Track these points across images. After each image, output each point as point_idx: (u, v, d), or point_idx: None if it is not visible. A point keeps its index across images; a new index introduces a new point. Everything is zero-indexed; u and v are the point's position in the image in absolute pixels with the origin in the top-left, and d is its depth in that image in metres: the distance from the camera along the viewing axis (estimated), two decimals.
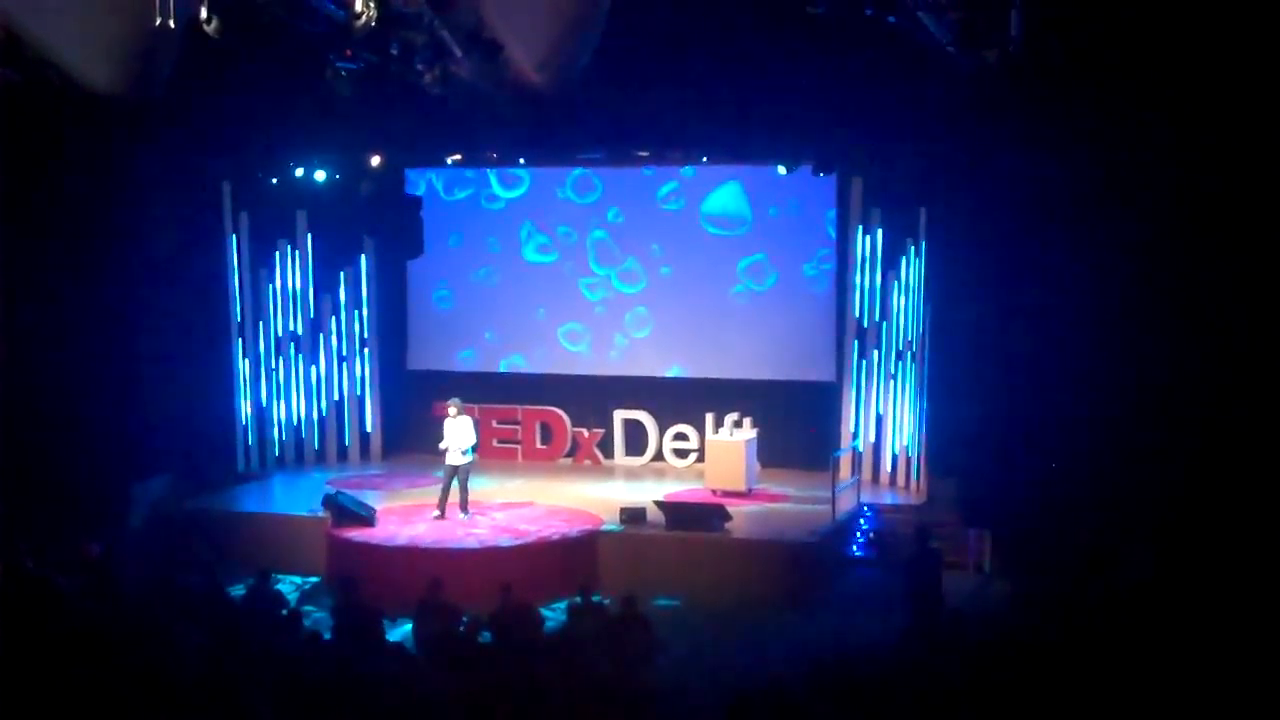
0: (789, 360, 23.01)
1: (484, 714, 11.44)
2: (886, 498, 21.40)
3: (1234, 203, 17.68)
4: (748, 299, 23.21)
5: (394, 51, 17.72)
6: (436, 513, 19.65)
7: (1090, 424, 18.47)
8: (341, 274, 24.44)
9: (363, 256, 24.59)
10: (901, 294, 21.83)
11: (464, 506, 19.72)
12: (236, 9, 15.55)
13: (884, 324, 22.14)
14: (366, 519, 19.39)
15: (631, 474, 23.29)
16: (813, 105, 19.02)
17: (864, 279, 22.30)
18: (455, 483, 19.70)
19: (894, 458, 22.07)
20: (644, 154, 21.91)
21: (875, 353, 22.24)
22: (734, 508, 19.62)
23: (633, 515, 19.39)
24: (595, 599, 15.59)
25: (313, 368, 24.35)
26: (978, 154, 18.87)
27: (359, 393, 24.75)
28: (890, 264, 21.96)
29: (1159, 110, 17.55)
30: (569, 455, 24.08)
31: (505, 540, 18.87)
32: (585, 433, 24.02)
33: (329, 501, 19.56)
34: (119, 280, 21.38)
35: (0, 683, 10.45)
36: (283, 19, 16.54)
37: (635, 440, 23.83)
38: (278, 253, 23.81)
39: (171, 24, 15.53)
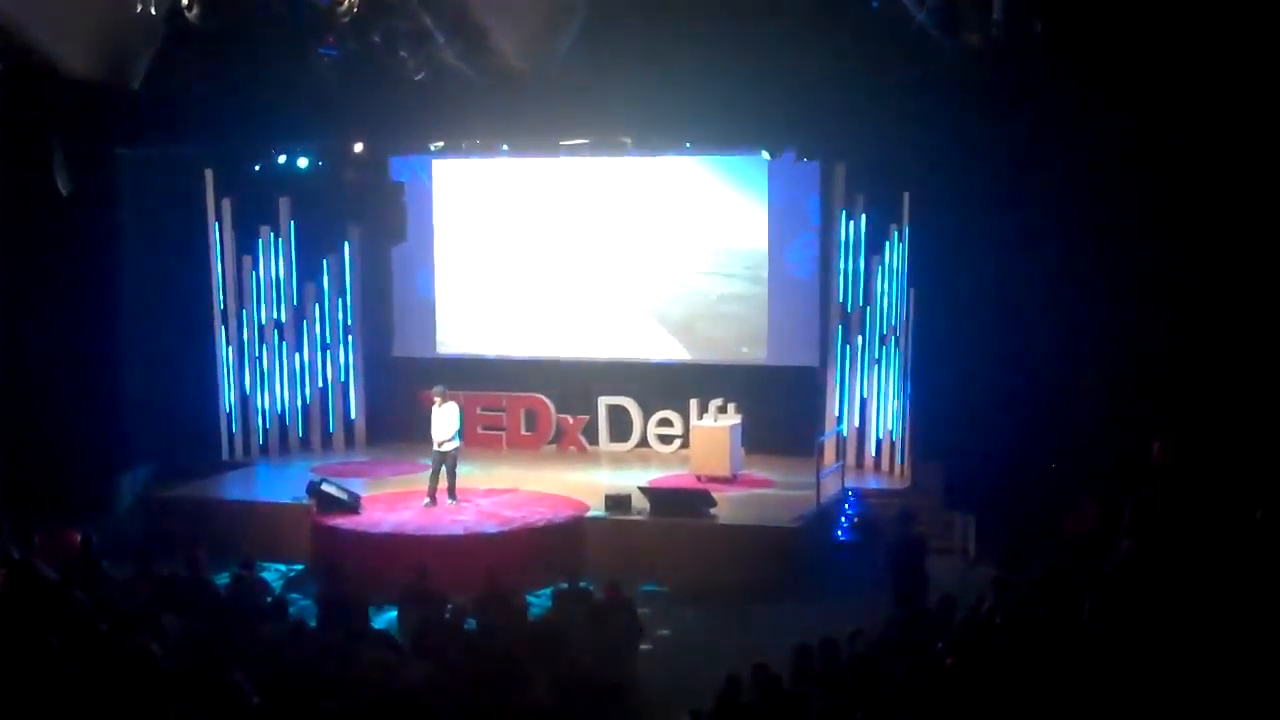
0: (773, 345, 23.03)
1: (469, 700, 11.45)
2: (871, 482, 21.45)
3: (1220, 187, 17.72)
4: (731, 284, 23.20)
5: (377, 38, 17.71)
6: (427, 500, 19.67)
7: (1074, 408, 18.51)
8: (325, 261, 24.37)
9: (346, 243, 24.53)
10: (885, 279, 21.86)
11: (451, 493, 19.75)
12: None
13: (868, 309, 22.17)
14: (351, 506, 19.40)
15: (616, 460, 23.29)
16: (796, 91, 18.99)
17: (847, 264, 22.32)
18: (444, 469, 19.73)
19: (878, 442, 22.11)
20: (627, 140, 21.87)
21: (859, 338, 22.26)
22: (719, 493, 19.66)
23: (618, 501, 19.40)
24: (580, 585, 15.60)
25: (296, 355, 24.29)
26: (961, 139, 18.87)
27: (343, 380, 24.71)
28: (874, 249, 21.98)
29: (1143, 94, 17.56)
30: (553, 442, 24.07)
31: (490, 527, 18.89)
32: (570, 419, 24.01)
33: (313, 489, 19.55)
34: (102, 268, 21.33)
35: None
36: (265, 5, 16.52)
37: (620, 426, 23.83)
38: (260, 240, 23.73)
39: (153, 10, 15.51)
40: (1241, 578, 12.31)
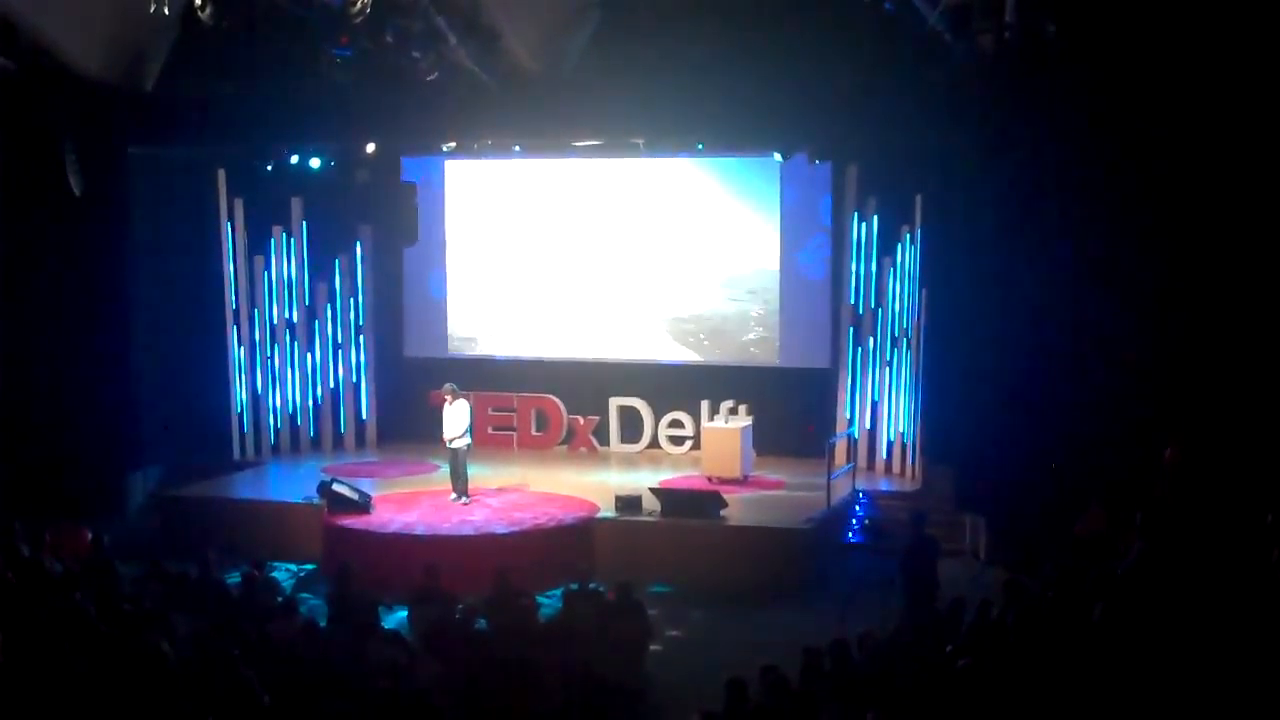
0: (784, 347, 23.02)
1: (479, 700, 11.46)
2: (882, 484, 21.43)
3: (1230, 189, 17.68)
4: (743, 286, 23.19)
5: (389, 38, 17.72)
6: (454, 495, 19.73)
7: (1086, 411, 18.47)
8: (337, 261, 24.40)
9: (358, 243, 24.55)
10: (897, 281, 21.85)
11: (463, 491, 19.76)
12: None
13: (879, 311, 22.16)
14: (362, 506, 19.40)
15: (627, 461, 23.29)
16: (808, 92, 19.00)
17: (860, 266, 22.31)
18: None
19: (889, 444, 22.09)
20: (639, 141, 21.88)
21: (871, 339, 22.26)
22: (729, 494, 19.63)
23: (628, 502, 19.39)
24: (590, 586, 15.59)
25: (308, 355, 24.31)
26: (973, 140, 18.85)
27: (354, 380, 24.73)
28: (886, 251, 21.97)
29: (1155, 96, 17.54)
30: (564, 442, 24.07)
31: (501, 527, 18.88)
32: (581, 420, 24.01)
33: (324, 489, 19.55)
34: (114, 268, 21.38)
35: None
36: (278, 6, 16.53)
37: (631, 427, 23.82)
38: (273, 240, 23.76)
39: (166, 11, 15.54)
40: (1252, 581, 12.29)
